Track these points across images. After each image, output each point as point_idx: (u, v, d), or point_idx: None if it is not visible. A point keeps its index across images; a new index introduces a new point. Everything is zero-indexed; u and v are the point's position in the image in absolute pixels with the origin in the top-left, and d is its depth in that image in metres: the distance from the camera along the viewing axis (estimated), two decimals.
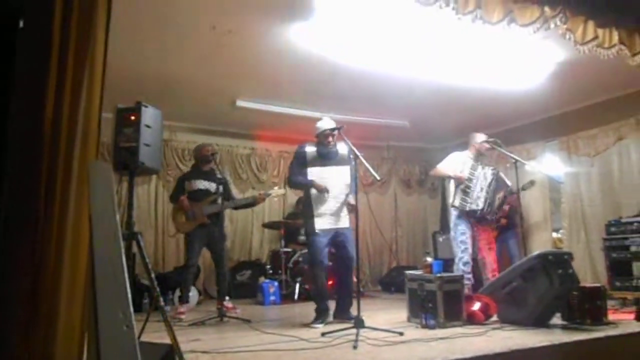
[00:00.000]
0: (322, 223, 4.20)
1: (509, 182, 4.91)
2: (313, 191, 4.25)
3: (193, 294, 5.56)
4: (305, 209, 4.37)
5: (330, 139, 4.29)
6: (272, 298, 5.81)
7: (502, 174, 4.88)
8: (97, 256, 1.39)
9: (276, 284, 5.96)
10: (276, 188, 5.32)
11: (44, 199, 1.87)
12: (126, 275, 1.36)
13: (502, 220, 6.08)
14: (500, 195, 4.74)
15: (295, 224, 6.52)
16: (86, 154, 2.00)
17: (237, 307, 5.10)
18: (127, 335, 1.17)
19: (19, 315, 1.70)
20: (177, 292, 5.32)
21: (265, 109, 6.17)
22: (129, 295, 1.30)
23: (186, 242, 5.04)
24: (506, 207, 5.39)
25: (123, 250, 1.46)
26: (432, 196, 8.75)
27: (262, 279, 6.22)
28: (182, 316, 4.60)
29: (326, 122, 4.36)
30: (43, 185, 1.88)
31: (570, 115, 6.52)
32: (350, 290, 4.33)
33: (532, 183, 5.93)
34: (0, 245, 1.71)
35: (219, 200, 4.91)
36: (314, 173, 4.26)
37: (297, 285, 6.10)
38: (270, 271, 6.42)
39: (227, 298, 5.07)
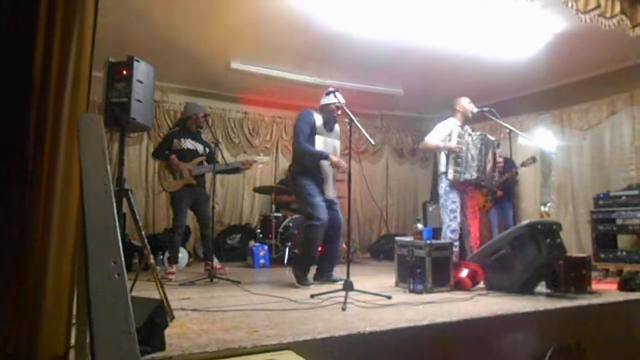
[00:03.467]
0: (330, 192, 4.37)
1: (492, 138, 4.83)
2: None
3: (183, 255, 5.60)
4: (310, 175, 4.32)
5: (336, 114, 4.41)
6: (262, 261, 5.86)
7: (487, 135, 4.81)
8: (87, 206, 1.36)
9: (266, 247, 6.00)
10: (262, 155, 5.31)
11: (32, 151, 1.83)
12: (117, 224, 1.34)
13: (499, 192, 6.11)
14: (489, 156, 4.69)
15: (286, 189, 6.52)
16: (76, 106, 1.96)
17: (225, 267, 5.14)
18: (118, 283, 1.16)
19: (7, 267, 1.69)
20: (167, 253, 5.34)
21: (260, 72, 6.08)
22: (120, 245, 1.28)
23: (172, 202, 5.04)
24: (504, 177, 5.36)
25: (114, 201, 1.44)
26: (423, 166, 8.78)
27: (252, 243, 6.25)
28: (172, 276, 4.63)
29: (333, 98, 4.28)
30: (32, 137, 1.84)
31: (564, 88, 6.51)
32: (336, 254, 4.55)
33: (533, 160, 5.84)
34: None
35: (205, 163, 4.92)
36: (320, 142, 4.34)
37: (287, 250, 6.14)
38: (261, 235, 6.45)
39: (216, 260, 5.10)
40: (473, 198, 4.82)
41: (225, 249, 6.44)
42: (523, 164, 5.49)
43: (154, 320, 2.05)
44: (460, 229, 4.78)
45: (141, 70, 2.76)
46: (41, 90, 1.89)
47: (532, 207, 6.77)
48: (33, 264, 1.76)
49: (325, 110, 4.41)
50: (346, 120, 3.86)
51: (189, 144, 5.03)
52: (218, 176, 5.36)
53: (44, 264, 1.78)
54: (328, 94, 4.29)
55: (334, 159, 4.26)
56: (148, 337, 2.01)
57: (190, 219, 5.54)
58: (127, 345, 1.01)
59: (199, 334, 2.39)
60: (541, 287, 3.96)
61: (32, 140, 1.84)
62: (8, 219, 1.73)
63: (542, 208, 6.96)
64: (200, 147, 5.05)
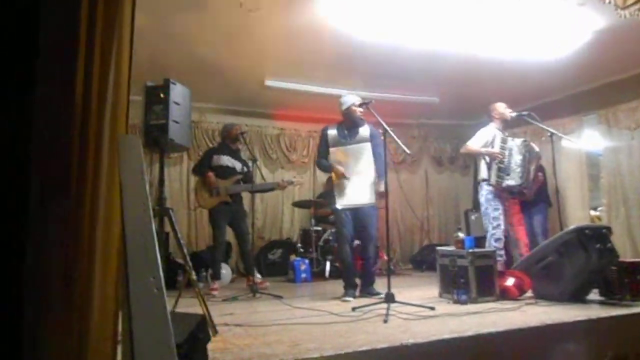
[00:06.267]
0: (344, 200, 4.32)
1: (537, 148, 4.72)
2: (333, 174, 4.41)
3: (226, 271, 5.67)
4: (328, 185, 4.50)
5: (359, 112, 4.37)
6: (304, 275, 5.86)
7: (532, 143, 4.70)
8: (127, 224, 1.41)
9: (307, 261, 6.01)
10: (297, 176, 5.40)
11: (76, 172, 1.90)
12: (156, 241, 1.38)
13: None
14: (534, 165, 4.57)
15: (325, 203, 6.54)
16: (116, 128, 2.03)
17: (267, 281, 5.18)
18: (157, 298, 1.19)
19: (53, 289, 1.75)
20: (210, 270, 5.43)
21: (294, 88, 6.16)
22: (159, 261, 1.32)
23: (210, 219, 5.13)
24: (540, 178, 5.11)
25: (152, 219, 1.48)
26: (463, 174, 8.61)
27: (293, 257, 6.28)
28: (215, 292, 4.70)
29: (351, 97, 4.45)
30: (75, 159, 1.91)
31: (609, 87, 6.25)
32: (370, 266, 4.49)
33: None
34: (34, 218, 1.75)
35: (242, 182, 5.01)
36: (335, 153, 4.42)
37: (328, 264, 6.13)
38: (301, 249, 6.47)
39: (258, 275, 5.15)
40: (516, 206, 4.68)
41: (266, 264, 6.50)
42: None
43: (197, 335, 2.09)
44: (506, 237, 4.65)
45: (177, 92, 2.85)
46: (83, 114, 1.96)
47: (580, 211, 6.50)
48: (79, 283, 1.82)
49: (345, 116, 4.45)
50: (380, 131, 3.86)
51: (226, 160, 5.11)
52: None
53: (89, 282, 1.84)
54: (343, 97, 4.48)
55: (335, 169, 4.36)
56: (191, 352, 2.04)
57: (230, 235, 5.61)
58: (167, 358, 1.03)
59: (241, 348, 2.41)
60: (594, 295, 3.78)
61: (75, 162, 1.92)
62: (54, 239, 1.81)
63: (593, 212, 6.69)
64: (238, 165, 5.12)
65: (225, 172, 5.05)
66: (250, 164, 5.14)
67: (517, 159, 4.51)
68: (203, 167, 5.11)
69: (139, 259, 1.29)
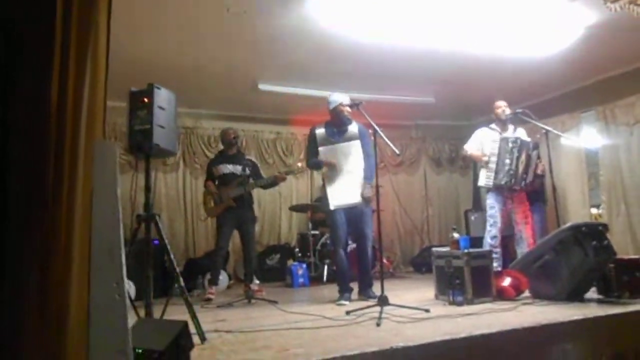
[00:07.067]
0: (336, 199, 4.24)
1: (527, 139, 4.68)
2: (324, 170, 4.38)
3: (223, 277, 5.63)
4: (322, 188, 4.46)
5: (347, 112, 4.32)
6: (301, 280, 5.82)
7: (521, 138, 4.65)
8: (94, 230, 1.38)
9: (304, 266, 5.97)
10: (299, 164, 5.35)
11: (52, 181, 1.87)
12: (122, 249, 1.35)
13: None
14: (522, 158, 4.52)
15: (322, 206, 6.51)
16: (93, 135, 2.00)
17: (264, 290, 5.14)
18: (118, 303, 1.16)
19: (29, 302, 1.71)
20: (208, 276, 5.39)
21: (288, 91, 6.13)
22: (124, 268, 1.28)
23: (217, 225, 5.12)
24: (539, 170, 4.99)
25: (121, 225, 1.45)
26: (463, 174, 8.55)
27: (290, 262, 6.24)
28: (212, 296, 4.66)
29: (339, 96, 4.40)
30: (51, 167, 1.88)
31: (606, 83, 6.20)
32: (367, 268, 4.39)
33: None
34: (9, 229, 1.72)
35: (249, 182, 4.98)
36: (324, 152, 4.37)
37: (325, 267, 6.08)
38: (299, 254, 6.43)
39: (257, 282, 5.10)
40: (522, 204, 4.62)
41: (264, 269, 6.45)
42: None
43: (179, 342, 2.05)
44: (505, 236, 4.63)
45: (162, 97, 2.81)
46: (58, 121, 1.93)
47: (580, 210, 6.43)
48: (55, 289, 1.78)
49: (333, 115, 4.40)
50: (370, 131, 3.82)
51: (224, 168, 5.12)
52: (255, 197, 5.42)
53: (66, 291, 1.80)
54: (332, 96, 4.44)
55: (325, 161, 4.32)
56: (173, 359, 2.00)
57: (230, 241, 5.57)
58: None
59: (227, 355, 2.38)
60: (593, 294, 3.72)
61: (51, 170, 1.88)
62: (30, 248, 1.77)
63: (594, 210, 6.62)
64: (238, 169, 5.05)
65: (226, 179, 5.08)
66: (253, 163, 5.25)
67: (506, 157, 4.49)
68: (206, 180, 5.24)
69: (103, 265, 1.26)
